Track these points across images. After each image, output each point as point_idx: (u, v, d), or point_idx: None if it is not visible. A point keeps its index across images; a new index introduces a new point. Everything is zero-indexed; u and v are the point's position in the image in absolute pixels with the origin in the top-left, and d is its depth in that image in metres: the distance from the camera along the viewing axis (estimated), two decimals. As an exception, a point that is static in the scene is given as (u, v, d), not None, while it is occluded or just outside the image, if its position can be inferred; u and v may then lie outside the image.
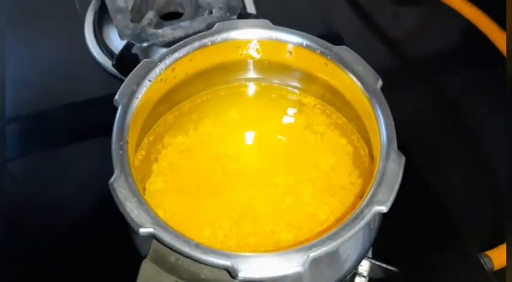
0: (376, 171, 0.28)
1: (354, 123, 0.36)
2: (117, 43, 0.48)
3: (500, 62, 0.48)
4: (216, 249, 0.26)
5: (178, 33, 0.44)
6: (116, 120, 0.30)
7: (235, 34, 0.34)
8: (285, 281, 0.26)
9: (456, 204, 0.42)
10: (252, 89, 0.38)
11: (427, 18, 0.60)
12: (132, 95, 0.31)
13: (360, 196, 0.32)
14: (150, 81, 0.32)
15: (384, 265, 0.34)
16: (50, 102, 0.47)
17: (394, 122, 0.30)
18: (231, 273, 0.25)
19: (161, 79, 0.33)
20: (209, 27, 0.44)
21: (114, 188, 0.27)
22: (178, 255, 0.27)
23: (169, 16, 0.49)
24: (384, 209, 0.27)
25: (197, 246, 0.26)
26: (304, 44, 0.33)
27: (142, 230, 0.26)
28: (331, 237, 0.26)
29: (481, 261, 0.38)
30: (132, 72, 0.32)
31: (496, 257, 0.38)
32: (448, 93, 0.52)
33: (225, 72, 0.36)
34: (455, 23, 0.56)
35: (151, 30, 0.44)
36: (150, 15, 0.45)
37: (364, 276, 0.36)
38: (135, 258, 0.36)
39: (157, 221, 0.27)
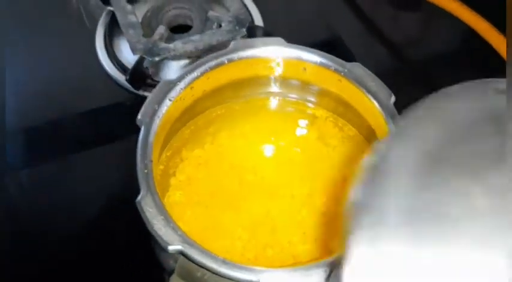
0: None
1: (365, 134, 0.37)
2: (127, 55, 0.49)
3: (500, 65, 0.49)
4: (242, 264, 0.27)
5: (189, 47, 0.45)
6: (140, 139, 0.31)
7: (251, 52, 0.35)
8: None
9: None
10: (266, 102, 0.39)
11: (427, 22, 0.61)
12: (153, 114, 0.32)
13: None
14: (170, 100, 0.33)
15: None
16: (61, 112, 0.48)
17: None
18: (258, 288, 0.26)
19: (180, 98, 0.34)
20: (219, 41, 0.45)
21: (142, 206, 0.28)
22: (205, 271, 0.28)
23: (178, 29, 0.50)
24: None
25: (224, 262, 0.27)
26: (318, 61, 0.34)
27: (171, 248, 0.27)
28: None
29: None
30: (153, 92, 0.33)
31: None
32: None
33: (240, 87, 0.38)
34: (455, 27, 0.57)
35: (163, 45, 0.45)
36: (161, 29, 0.46)
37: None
38: (144, 268, 0.38)
39: (184, 239, 0.28)
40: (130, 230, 0.38)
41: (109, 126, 0.47)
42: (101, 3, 0.50)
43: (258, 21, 0.51)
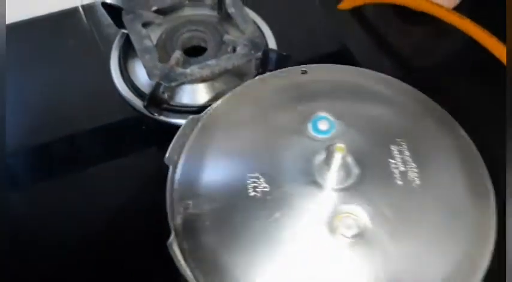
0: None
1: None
2: (141, 77, 0.49)
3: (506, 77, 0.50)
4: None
5: (206, 72, 0.45)
6: (168, 179, 0.31)
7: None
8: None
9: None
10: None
11: (434, 35, 0.62)
12: (180, 152, 0.33)
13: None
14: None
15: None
16: (76, 134, 0.48)
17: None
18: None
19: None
20: (235, 65, 0.46)
21: (173, 249, 0.28)
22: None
23: (192, 50, 0.50)
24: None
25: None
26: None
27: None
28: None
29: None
30: (179, 131, 0.33)
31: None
32: (457, 109, 0.54)
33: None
34: (461, 40, 0.58)
35: (180, 70, 0.45)
36: (177, 54, 0.46)
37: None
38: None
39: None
40: (142, 247, 0.39)
41: (123, 148, 0.48)
42: (114, 25, 0.50)
43: (271, 43, 0.51)
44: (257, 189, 0.26)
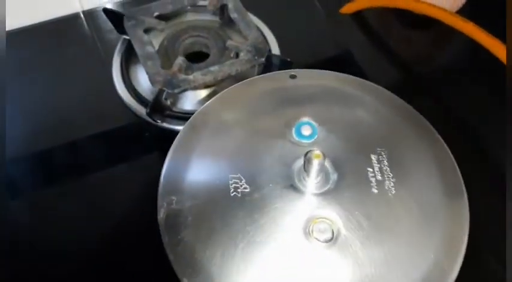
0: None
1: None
2: (143, 83, 0.49)
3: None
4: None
5: (209, 78, 0.45)
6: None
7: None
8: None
9: (479, 227, 0.44)
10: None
11: (437, 40, 0.62)
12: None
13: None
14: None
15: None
16: (78, 141, 0.48)
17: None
18: None
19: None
20: (238, 71, 0.45)
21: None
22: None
23: (194, 55, 0.49)
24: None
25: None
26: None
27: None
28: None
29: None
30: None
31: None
32: (458, 112, 0.54)
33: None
34: (464, 44, 0.58)
35: (182, 76, 0.45)
36: (180, 60, 0.46)
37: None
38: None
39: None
40: (143, 255, 0.39)
41: (125, 155, 0.47)
42: (116, 31, 0.50)
43: (275, 48, 0.50)
44: (238, 190, 0.28)
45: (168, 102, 0.46)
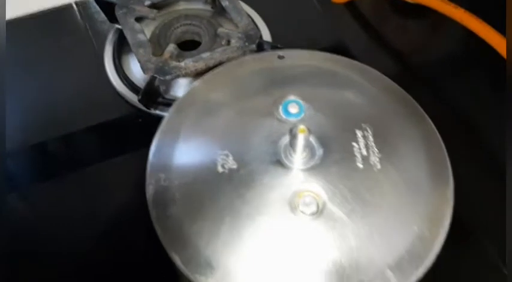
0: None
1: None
2: (136, 72, 0.49)
3: (504, 68, 0.50)
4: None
5: (200, 65, 0.45)
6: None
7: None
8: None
9: (469, 211, 0.44)
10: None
11: (432, 29, 0.62)
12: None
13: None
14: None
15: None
16: (71, 130, 0.48)
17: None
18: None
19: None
20: (229, 58, 0.45)
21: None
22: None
23: (186, 44, 0.50)
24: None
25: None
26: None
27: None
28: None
29: (504, 272, 0.40)
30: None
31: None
32: (454, 101, 0.54)
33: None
34: (459, 33, 0.58)
35: (174, 63, 0.45)
36: (171, 47, 0.46)
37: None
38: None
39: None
40: (142, 244, 0.39)
41: (120, 143, 0.47)
42: (108, 21, 0.50)
43: (266, 34, 0.51)
44: (225, 166, 0.28)
45: (161, 90, 0.46)
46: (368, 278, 0.25)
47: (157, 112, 0.46)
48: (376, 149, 0.29)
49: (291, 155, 0.28)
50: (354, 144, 0.29)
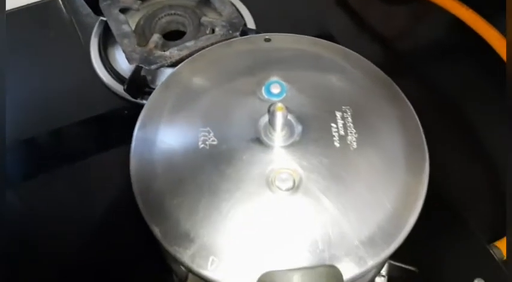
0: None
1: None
2: (122, 63, 0.49)
3: (488, 55, 0.51)
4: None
5: (185, 53, 0.45)
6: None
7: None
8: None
9: (459, 197, 0.44)
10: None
11: (416, 15, 0.62)
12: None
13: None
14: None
15: (403, 265, 0.36)
16: (60, 124, 0.48)
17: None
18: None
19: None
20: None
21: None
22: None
23: (172, 35, 0.50)
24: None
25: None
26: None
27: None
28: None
29: (491, 252, 0.40)
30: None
31: (505, 247, 0.40)
32: (439, 87, 0.55)
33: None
34: (443, 19, 0.58)
35: (158, 53, 0.45)
36: (156, 37, 0.46)
37: (383, 276, 0.38)
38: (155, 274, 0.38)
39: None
40: (136, 236, 0.39)
41: (108, 134, 0.48)
42: (93, 13, 0.50)
43: (250, 23, 0.51)
44: (206, 143, 0.29)
45: (147, 79, 0.46)
46: (340, 253, 0.25)
47: (144, 102, 0.46)
48: (353, 129, 0.29)
49: (270, 133, 0.29)
50: (333, 124, 0.30)
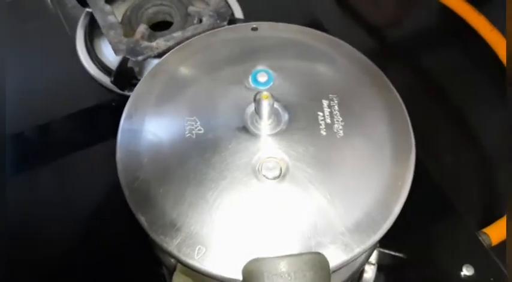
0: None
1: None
2: (109, 55, 0.49)
3: (476, 43, 0.51)
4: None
5: (172, 43, 0.45)
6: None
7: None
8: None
9: (448, 184, 0.45)
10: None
11: (404, 3, 0.62)
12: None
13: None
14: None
15: (392, 252, 0.37)
16: (47, 117, 0.48)
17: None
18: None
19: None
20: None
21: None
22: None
23: (159, 25, 0.50)
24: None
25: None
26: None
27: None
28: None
29: (480, 238, 0.40)
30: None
31: (493, 233, 0.41)
32: (429, 74, 0.55)
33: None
34: (431, 6, 0.58)
35: (145, 44, 0.45)
36: (142, 28, 0.46)
37: (373, 264, 0.39)
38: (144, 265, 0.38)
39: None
40: (126, 227, 0.39)
41: (96, 127, 0.47)
42: (78, 5, 0.50)
43: (238, 13, 0.51)
44: (192, 132, 0.29)
45: (135, 71, 0.46)
46: (327, 240, 0.25)
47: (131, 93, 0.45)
48: (340, 118, 0.29)
49: (256, 122, 0.29)
50: (319, 113, 0.30)
